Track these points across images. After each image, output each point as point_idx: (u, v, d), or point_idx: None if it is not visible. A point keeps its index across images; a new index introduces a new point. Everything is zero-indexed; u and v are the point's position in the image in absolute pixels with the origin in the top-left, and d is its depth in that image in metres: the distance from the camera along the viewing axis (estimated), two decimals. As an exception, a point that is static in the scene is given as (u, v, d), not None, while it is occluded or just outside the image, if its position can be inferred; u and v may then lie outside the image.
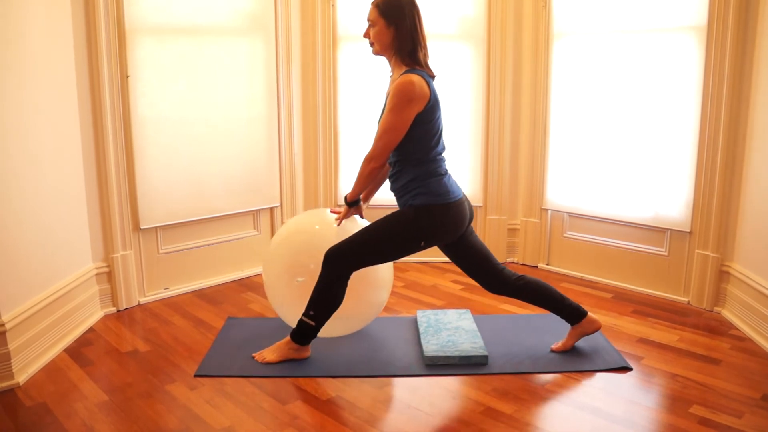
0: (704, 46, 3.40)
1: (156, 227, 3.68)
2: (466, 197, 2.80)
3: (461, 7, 4.21)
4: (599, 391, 2.61)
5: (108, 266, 3.48)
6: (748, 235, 3.31)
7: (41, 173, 2.93)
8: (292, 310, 2.95)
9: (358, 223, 2.95)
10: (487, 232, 4.39)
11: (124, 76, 3.41)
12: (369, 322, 3.17)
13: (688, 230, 3.59)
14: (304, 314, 2.74)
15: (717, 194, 3.43)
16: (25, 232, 2.81)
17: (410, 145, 2.64)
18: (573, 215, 4.16)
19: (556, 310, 2.92)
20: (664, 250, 3.74)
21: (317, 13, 4.21)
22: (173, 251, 3.79)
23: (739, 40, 3.27)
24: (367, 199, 2.99)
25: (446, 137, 2.79)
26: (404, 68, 2.65)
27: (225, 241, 4.03)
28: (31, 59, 2.85)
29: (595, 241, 4.06)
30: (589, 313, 2.94)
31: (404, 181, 2.69)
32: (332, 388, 2.65)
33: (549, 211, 4.27)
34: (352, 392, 2.62)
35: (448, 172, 2.76)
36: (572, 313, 2.92)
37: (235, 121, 3.95)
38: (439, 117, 2.69)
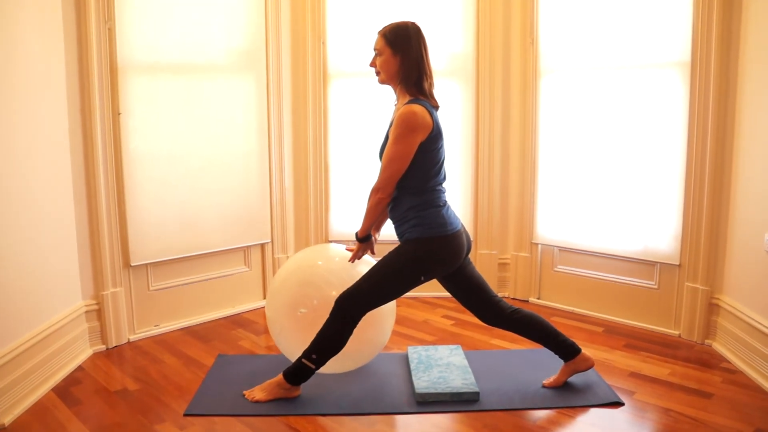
0: (688, 81, 3.46)
1: (146, 264, 3.67)
2: (464, 228, 2.81)
3: (450, 44, 4.28)
4: (591, 427, 2.60)
5: (98, 304, 3.46)
6: (736, 268, 3.33)
7: (31, 210, 2.93)
8: (292, 343, 2.94)
9: (368, 263, 2.95)
10: (478, 267, 4.33)
11: (116, 114, 3.44)
12: (367, 362, 3.15)
13: (677, 263, 3.61)
14: (304, 357, 2.72)
15: (705, 227, 3.46)
16: (13, 269, 2.79)
17: (411, 173, 2.64)
18: (563, 249, 4.18)
19: (551, 346, 2.92)
20: (654, 283, 3.75)
21: (308, 51, 4.26)
22: (163, 288, 3.78)
23: (722, 74, 3.33)
24: (377, 230, 2.97)
25: (448, 168, 2.81)
26: (409, 98, 2.67)
27: (215, 278, 4.02)
28: (23, 95, 2.88)
29: (585, 275, 4.07)
30: (583, 351, 2.93)
31: (402, 210, 2.70)
32: (323, 426, 2.63)
33: (539, 246, 4.28)
34: (343, 430, 2.60)
35: (447, 203, 2.76)
36: (567, 350, 2.91)
37: (226, 158, 3.97)
38: (442, 147, 2.70)
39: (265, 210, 4.21)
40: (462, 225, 2.79)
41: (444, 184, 2.77)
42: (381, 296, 2.73)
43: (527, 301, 4.32)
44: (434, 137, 2.64)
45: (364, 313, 2.69)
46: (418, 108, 2.59)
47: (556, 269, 4.23)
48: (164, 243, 3.72)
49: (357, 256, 2.89)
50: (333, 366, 2.89)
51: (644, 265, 3.79)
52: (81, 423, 2.66)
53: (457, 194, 4.37)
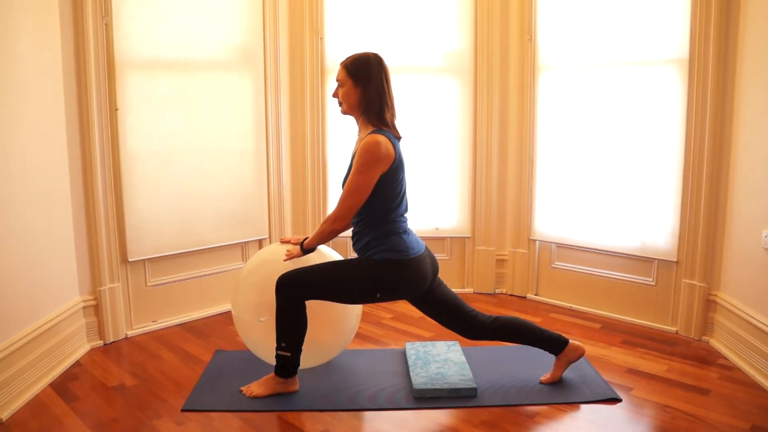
0: (686, 78, 3.47)
1: (144, 260, 3.67)
2: (429, 252, 2.82)
3: (448, 41, 4.27)
4: (589, 423, 2.60)
5: (95, 299, 3.46)
6: (733, 265, 3.33)
7: (29, 206, 2.93)
8: (263, 347, 2.95)
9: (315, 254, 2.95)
10: (476, 263, 4.40)
11: (113, 109, 3.43)
12: (342, 349, 3.14)
13: (675, 260, 3.62)
14: (277, 348, 2.73)
15: (702, 224, 3.47)
16: (11, 265, 2.79)
17: (372, 205, 2.67)
18: (561, 246, 4.18)
19: (537, 344, 2.92)
20: (651, 279, 3.76)
21: (305, 46, 4.26)
22: (161, 284, 3.78)
23: (720, 71, 3.33)
24: None
25: (409, 197, 2.82)
26: (371, 128, 2.69)
27: (213, 274, 4.02)
28: (20, 91, 2.87)
29: (583, 272, 4.08)
30: (571, 340, 2.94)
31: (365, 242, 2.72)
32: (321, 422, 2.63)
33: (537, 242, 4.29)
34: (341, 426, 2.60)
35: (409, 229, 2.78)
36: (554, 344, 2.92)
37: (224, 154, 3.97)
38: (403, 178, 2.73)
39: (262, 206, 4.20)
40: (426, 248, 2.81)
41: (406, 215, 2.79)
42: (323, 292, 2.71)
43: (525, 297, 4.33)
44: (395, 168, 2.66)
45: (303, 300, 2.68)
46: (381, 138, 2.60)
47: (553, 266, 4.23)
48: (162, 239, 3.71)
49: (294, 258, 2.85)
50: (308, 358, 2.91)
51: (642, 261, 3.79)
52: (78, 418, 2.66)
53: (455, 191, 4.38)
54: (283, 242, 3.01)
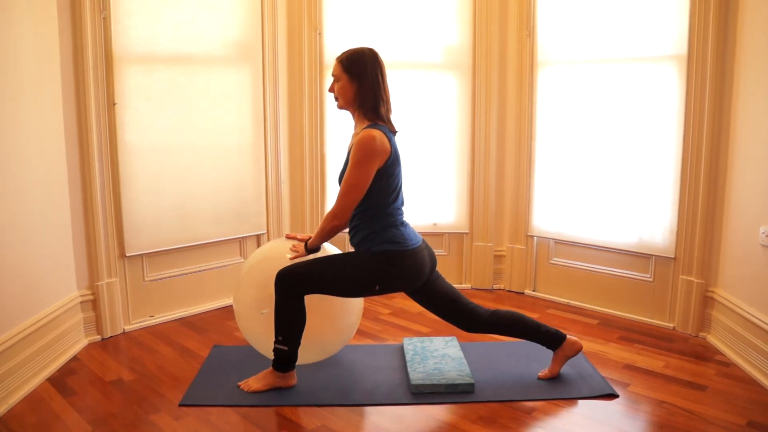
0: (685, 74, 3.46)
1: (142, 254, 3.66)
2: (426, 245, 2.83)
3: (446, 37, 4.27)
4: (586, 418, 2.61)
5: (93, 294, 3.45)
6: (731, 261, 3.34)
7: (27, 200, 2.92)
8: (263, 341, 2.95)
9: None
10: (474, 259, 4.40)
11: (111, 104, 3.43)
12: (342, 346, 3.15)
13: (672, 256, 3.62)
14: (275, 341, 2.74)
15: (700, 220, 3.47)
16: (8, 259, 2.78)
17: (369, 200, 2.67)
18: (559, 242, 4.18)
19: (535, 338, 2.93)
20: (649, 276, 3.76)
21: (304, 42, 4.25)
22: (159, 278, 3.77)
23: (718, 68, 3.33)
24: None
25: (408, 193, 2.83)
26: (367, 123, 2.70)
27: (211, 269, 4.02)
28: (18, 86, 2.86)
29: (581, 268, 4.08)
30: (569, 336, 2.95)
31: (362, 236, 2.73)
32: (318, 417, 2.63)
33: (535, 238, 4.29)
34: (338, 421, 2.60)
35: (406, 222, 2.79)
36: (551, 339, 2.93)
37: (222, 149, 3.97)
38: (399, 173, 2.74)
39: (260, 201, 4.20)
40: (424, 242, 2.82)
41: (402, 208, 2.80)
42: (323, 286, 2.71)
43: (523, 293, 4.33)
44: (392, 163, 2.67)
45: (303, 294, 2.69)
46: (377, 133, 2.61)
47: (551, 261, 4.24)
48: (160, 234, 3.71)
49: (298, 257, 2.85)
50: (308, 354, 2.92)
51: (639, 257, 3.79)
52: (76, 413, 2.66)
53: (453, 187, 4.38)
54: (289, 237, 3.01)
